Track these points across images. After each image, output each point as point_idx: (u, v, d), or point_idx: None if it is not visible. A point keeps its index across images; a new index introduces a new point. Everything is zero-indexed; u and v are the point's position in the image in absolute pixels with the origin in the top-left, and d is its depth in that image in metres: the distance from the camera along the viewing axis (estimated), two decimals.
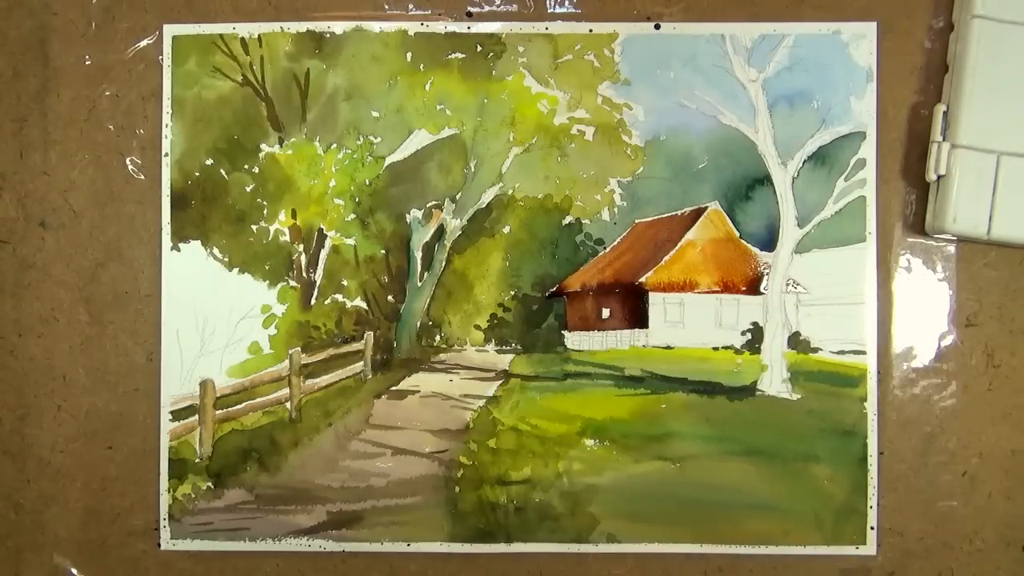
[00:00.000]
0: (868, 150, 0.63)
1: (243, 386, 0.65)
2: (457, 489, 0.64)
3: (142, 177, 0.65)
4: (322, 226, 0.65)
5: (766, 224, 0.63)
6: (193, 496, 0.64)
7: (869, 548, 0.62)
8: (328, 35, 0.64)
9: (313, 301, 0.65)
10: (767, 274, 0.63)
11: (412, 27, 0.64)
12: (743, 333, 0.64)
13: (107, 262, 0.65)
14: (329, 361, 0.65)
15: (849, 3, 0.63)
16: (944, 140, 0.59)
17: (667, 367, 0.64)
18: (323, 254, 0.65)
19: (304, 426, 0.65)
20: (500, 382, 0.64)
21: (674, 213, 0.64)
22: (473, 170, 0.65)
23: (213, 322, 0.64)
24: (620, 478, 0.63)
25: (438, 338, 0.65)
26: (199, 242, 0.65)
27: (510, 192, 0.64)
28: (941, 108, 0.60)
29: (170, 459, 0.64)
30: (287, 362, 0.65)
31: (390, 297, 0.65)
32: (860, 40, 0.62)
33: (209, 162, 0.64)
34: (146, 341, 0.65)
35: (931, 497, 0.63)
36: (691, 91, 0.63)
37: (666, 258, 0.64)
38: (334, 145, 0.64)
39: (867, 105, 0.63)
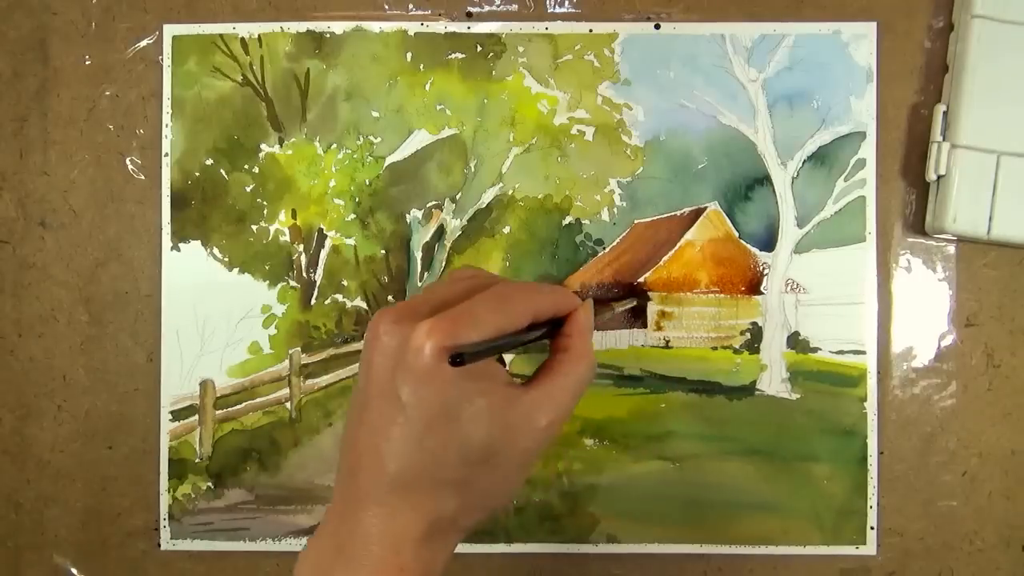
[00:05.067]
0: (868, 150, 0.63)
1: (243, 386, 0.65)
2: None
3: (142, 177, 0.65)
4: (322, 226, 0.65)
5: (766, 224, 0.63)
6: (193, 496, 0.64)
7: (869, 548, 0.62)
8: (328, 35, 0.64)
9: (313, 301, 0.65)
10: (767, 274, 0.63)
11: (412, 27, 0.64)
12: (742, 333, 0.64)
13: (107, 262, 0.65)
14: (329, 361, 0.65)
15: (849, 3, 0.63)
16: (944, 140, 0.59)
17: (666, 367, 0.64)
18: (323, 254, 0.65)
19: (304, 426, 0.65)
20: None
21: (673, 213, 0.64)
22: (473, 170, 0.65)
23: (213, 322, 0.64)
24: (620, 478, 0.63)
25: None
26: (199, 242, 0.65)
27: (510, 192, 0.64)
28: (941, 108, 0.60)
29: (170, 459, 0.64)
30: (287, 362, 0.65)
31: (390, 297, 0.65)
32: (860, 40, 0.62)
33: (209, 162, 0.65)
34: (146, 341, 0.65)
35: (931, 497, 0.63)
36: (691, 91, 0.63)
37: (665, 258, 0.64)
38: (334, 145, 0.64)
39: (867, 105, 0.63)
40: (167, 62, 0.64)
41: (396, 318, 0.39)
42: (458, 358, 0.37)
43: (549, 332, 0.46)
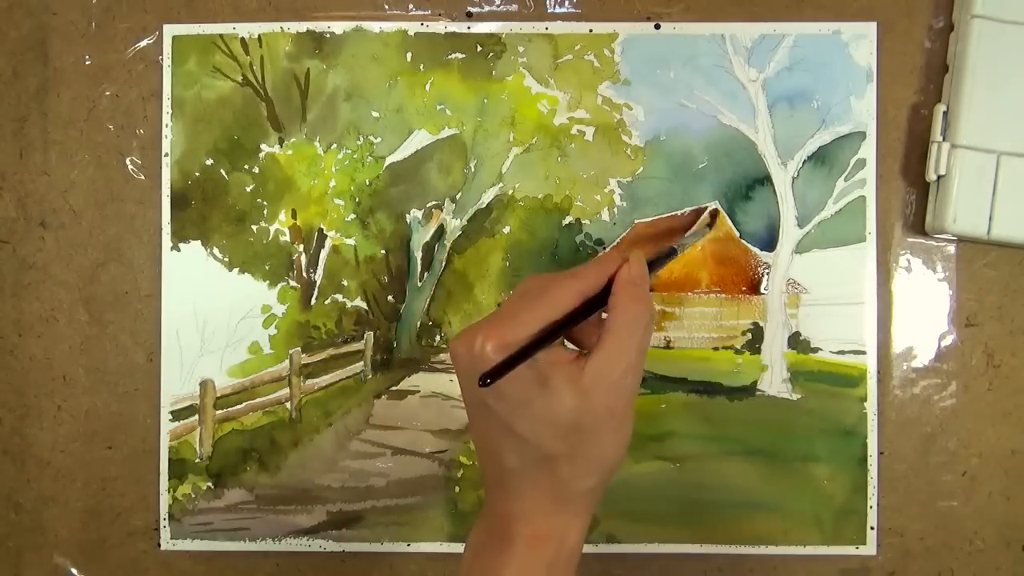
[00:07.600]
0: (868, 150, 0.63)
1: (243, 386, 0.65)
2: (457, 489, 0.64)
3: (142, 177, 0.65)
4: (322, 226, 0.65)
5: (766, 224, 0.63)
6: (193, 496, 0.64)
7: (869, 548, 0.62)
8: (328, 35, 0.64)
9: (313, 301, 0.65)
10: (767, 274, 0.63)
11: (412, 27, 0.64)
12: (743, 333, 0.64)
13: (107, 262, 0.65)
14: (329, 361, 0.65)
15: (849, 3, 0.63)
16: (944, 140, 0.59)
17: (667, 367, 0.64)
18: (323, 254, 0.65)
19: (304, 426, 0.65)
20: None
21: (674, 213, 0.64)
22: (473, 170, 0.65)
23: (213, 322, 0.64)
24: (620, 478, 0.63)
25: (438, 338, 0.65)
26: (199, 242, 0.65)
27: (510, 192, 0.64)
28: (941, 108, 0.60)
29: (170, 459, 0.64)
30: (287, 362, 0.65)
31: (390, 297, 0.65)
32: (860, 40, 0.62)
33: (209, 162, 0.65)
34: (146, 341, 0.65)
35: (931, 497, 0.63)
36: (691, 91, 0.63)
37: None
38: (334, 145, 0.64)
39: (867, 105, 0.63)
40: (167, 62, 0.64)
41: (462, 336, 0.43)
42: (486, 379, 0.39)
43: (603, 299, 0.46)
